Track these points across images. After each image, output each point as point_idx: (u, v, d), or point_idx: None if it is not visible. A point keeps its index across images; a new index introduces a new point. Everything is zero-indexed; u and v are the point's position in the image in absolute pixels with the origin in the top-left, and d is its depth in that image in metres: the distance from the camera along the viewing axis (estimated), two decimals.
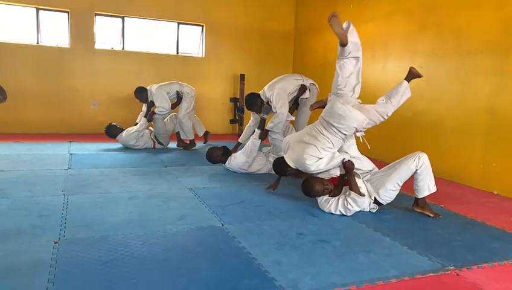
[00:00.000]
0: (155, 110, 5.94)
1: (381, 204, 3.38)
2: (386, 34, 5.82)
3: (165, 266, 2.23)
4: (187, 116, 6.16)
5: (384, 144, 5.50)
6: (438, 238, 2.85)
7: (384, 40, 5.85)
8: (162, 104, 5.90)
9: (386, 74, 5.84)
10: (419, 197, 3.35)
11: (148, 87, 6.05)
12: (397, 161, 3.39)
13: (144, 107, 6.15)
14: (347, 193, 3.23)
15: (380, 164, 3.77)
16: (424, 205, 3.37)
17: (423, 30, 5.15)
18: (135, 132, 5.88)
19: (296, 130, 4.99)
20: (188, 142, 6.32)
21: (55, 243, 2.44)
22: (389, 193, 3.32)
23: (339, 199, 3.25)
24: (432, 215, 3.31)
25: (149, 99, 6.00)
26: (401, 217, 3.31)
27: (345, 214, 3.22)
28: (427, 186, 3.31)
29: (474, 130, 4.45)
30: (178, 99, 6.15)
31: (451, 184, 4.57)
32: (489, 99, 4.29)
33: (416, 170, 3.26)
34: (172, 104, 6.08)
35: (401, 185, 3.34)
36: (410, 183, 3.38)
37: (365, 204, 3.31)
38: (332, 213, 3.25)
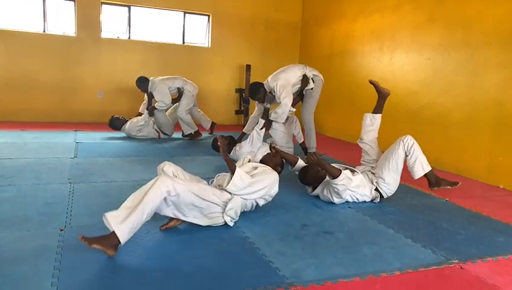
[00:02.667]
0: (155, 105, 5.93)
1: (383, 197, 3.38)
2: (394, 26, 5.76)
3: (169, 254, 2.24)
4: (185, 112, 6.12)
5: (390, 137, 5.44)
6: (442, 231, 2.85)
7: (392, 32, 5.79)
8: (162, 98, 5.88)
9: (393, 65, 5.79)
10: (416, 177, 3.34)
11: (150, 78, 6.03)
12: (386, 150, 3.37)
13: (146, 97, 6.15)
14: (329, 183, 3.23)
15: None
16: (438, 180, 3.33)
17: (431, 22, 5.09)
18: (139, 125, 5.89)
19: (302, 122, 4.98)
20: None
21: (61, 230, 2.47)
22: (388, 184, 3.33)
23: (329, 187, 3.25)
24: (449, 187, 3.28)
25: (149, 90, 5.98)
26: (406, 209, 3.30)
27: (340, 197, 3.21)
28: (420, 166, 3.29)
29: (481, 124, 4.41)
30: (179, 96, 6.12)
31: (457, 178, 4.53)
32: (497, 92, 4.25)
33: (406, 153, 3.26)
34: (172, 99, 6.06)
35: (398, 173, 3.32)
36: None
37: (366, 190, 3.31)
38: (333, 203, 3.26)
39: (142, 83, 6.03)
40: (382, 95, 3.61)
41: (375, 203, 3.38)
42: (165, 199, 2.31)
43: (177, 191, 2.31)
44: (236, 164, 2.92)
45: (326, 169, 3.12)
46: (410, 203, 3.47)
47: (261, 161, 3.15)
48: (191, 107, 6.24)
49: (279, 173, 3.12)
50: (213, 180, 2.90)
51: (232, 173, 2.65)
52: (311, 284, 1.99)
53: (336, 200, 3.24)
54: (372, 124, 3.57)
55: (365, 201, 3.38)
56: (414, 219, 3.08)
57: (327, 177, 3.21)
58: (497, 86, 4.24)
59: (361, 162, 3.64)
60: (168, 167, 2.76)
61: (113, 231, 2.11)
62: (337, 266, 2.21)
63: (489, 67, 4.34)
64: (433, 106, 5.05)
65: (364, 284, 2.04)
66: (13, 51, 6.70)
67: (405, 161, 3.34)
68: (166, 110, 6.14)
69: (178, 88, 6.08)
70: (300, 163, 3.59)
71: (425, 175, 3.35)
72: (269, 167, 2.97)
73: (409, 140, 3.28)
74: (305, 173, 3.39)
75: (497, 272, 2.26)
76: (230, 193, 2.64)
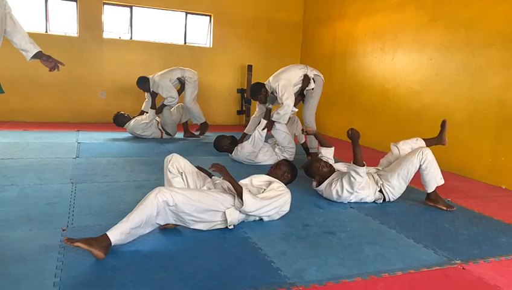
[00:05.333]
0: (164, 102, 5.94)
1: (385, 199, 3.38)
2: (396, 26, 5.75)
3: (170, 254, 2.24)
4: (193, 101, 6.12)
5: (392, 137, 5.45)
6: (445, 231, 2.84)
7: (394, 32, 5.79)
8: (169, 93, 5.89)
9: (395, 66, 5.78)
10: (428, 191, 3.35)
11: (150, 77, 6.04)
12: (402, 157, 3.38)
13: (148, 96, 6.16)
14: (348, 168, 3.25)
15: None
16: (437, 198, 3.36)
17: (433, 22, 5.08)
18: (143, 123, 5.90)
19: (304, 122, 4.98)
20: (196, 133, 6.34)
21: (63, 230, 2.47)
22: (393, 188, 3.34)
23: (342, 178, 3.25)
24: (444, 208, 3.30)
25: (151, 89, 5.99)
26: (408, 210, 3.30)
27: (350, 190, 3.21)
28: (434, 180, 3.30)
29: (483, 124, 4.41)
30: (181, 86, 6.11)
31: (459, 178, 4.53)
32: (499, 92, 4.24)
33: (420, 165, 3.25)
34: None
35: (406, 182, 3.34)
36: (417, 176, 3.36)
37: (370, 191, 3.32)
38: (339, 196, 3.25)
39: (143, 82, 6.04)
40: (440, 139, 3.58)
41: (377, 203, 3.38)
42: (163, 208, 2.28)
43: (175, 201, 2.29)
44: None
45: (356, 153, 3.13)
46: (412, 203, 3.47)
47: (268, 174, 3.03)
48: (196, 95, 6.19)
49: (290, 181, 3.11)
50: (216, 181, 2.84)
51: (239, 194, 2.53)
52: (313, 285, 1.99)
53: (345, 194, 3.23)
54: (415, 142, 3.57)
55: (367, 201, 3.38)
56: (416, 219, 3.08)
57: (344, 170, 3.26)
58: (500, 87, 4.23)
59: (380, 161, 3.63)
60: (174, 162, 2.73)
61: (104, 234, 2.13)
62: (339, 266, 2.21)
63: (491, 68, 4.33)
64: (435, 106, 5.05)
65: (366, 285, 2.04)
66: (15, 51, 6.68)
67: (418, 172, 3.33)
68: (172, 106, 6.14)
69: (178, 78, 6.06)
70: (329, 150, 3.65)
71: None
72: (282, 184, 2.87)
73: (428, 155, 3.24)
74: (309, 165, 3.49)
75: (499, 273, 2.26)
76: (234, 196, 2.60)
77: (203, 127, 6.32)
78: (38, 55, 3.12)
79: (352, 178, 3.16)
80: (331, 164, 3.49)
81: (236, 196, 2.55)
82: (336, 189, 3.26)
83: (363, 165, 3.12)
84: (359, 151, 3.13)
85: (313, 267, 2.17)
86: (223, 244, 2.42)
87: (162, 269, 2.07)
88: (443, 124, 3.57)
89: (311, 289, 1.96)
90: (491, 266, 2.35)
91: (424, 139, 3.55)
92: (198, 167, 2.93)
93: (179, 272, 2.04)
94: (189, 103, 6.08)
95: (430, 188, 3.33)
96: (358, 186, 3.21)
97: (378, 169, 3.52)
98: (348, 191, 3.22)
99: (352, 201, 3.34)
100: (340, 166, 3.52)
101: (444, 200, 3.39)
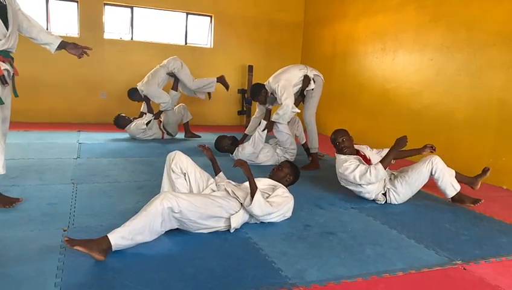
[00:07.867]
0: (160, 108, 5.94)
1: (387, 202, 3.39)
2: (397, 26, 5.75)
3: (171, 255, 2.25)
4: (193, 81, 6.06)
5: (393, 137, 5.44)
6: (446, 232, 2.84)
7: (395, 32, 5.78)
8: (160, 100, 5.89)
9: (395, 66, 5.78)
10: (448, 197, 3.36)
11: (138, 86, 5.99)
12: (414, 165, 3.38)
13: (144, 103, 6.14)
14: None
15: None
16: (461, 197, 3.34)
17: (434, 22, 5.08)
18: (144, 127, 5.88)
19: (304, 123, 4.98)
20: (198, 134, 6.38)
21: (64, 230, 2.47)
22: (397, 195, 3.34)
23: (360, 164, 3.26)
24: (472, 205, 3.30)
25: (142, 96, 5.96)
26: (409, 210, 3.29)
27: (358, 179, 3.22)
28: (450, 186, 3.30)
29: (484, 124, 4.40)
30: (175, 80, 6.07)
31: None
32: (500, 92, 4.23)
33: (433, 175, 3.25)
34: (173, 88, 6.06)
35: (413, 191, 3.34)
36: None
37: (373, 189, 3.32)
38: (344, 174, 3.28)
39: (134, 94, 6.04)
40: (473, 182, 3.58)
41: (378, 203, 3.38)
42: (168, 215, 2.27)
43: (180, 208, 2.27)
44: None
45: (389, 157, 3.21)
46: (414, 203, 3.46)
47: (271, 177, 3.01)
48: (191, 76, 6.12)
49: (292, 183, 3.10)
50: (219, 183, 2.83)
51: (252, 193, 2.53)
52: (313, 285, 1.99)
53: (350, 177, 3.25)
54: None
55: (367, 199, 3.39)
56: (417, 219, 3.08)
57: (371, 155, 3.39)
58: (501, 87, 4.23)
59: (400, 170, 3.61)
60: (177, 160, 2.73)
61: (105, 236, 2.11)
62: (340, 267, 2.21)
63: (492, 68, 4.32)
64: (436, 106, 5.04)
65: (367, 285, 2.04)
66: (16, 52, 6.70)
67: (431, 180, 3.33)
68: (177, 102, 6.14)
69: (168, 74, 6.01)
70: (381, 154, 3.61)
71: None
72: (286, 189, 2.87)
73: (438, 164, 3.24)
74: (335, 132, 3.46)
75: (500, 273, 2.25)
76: (239, 201, 2.60)
77: (222, 81, 6.24)
78: (62, 45, 3.10)
79: (369, 173, 3.17)
80: (351, 146, 3.40)
81: (248, 194, 2.56)
82: (347, 166, 3.26)
83: (384, 169, 3.17)
84: (392, 158, 3.21)
85: (314, 268, 2.17)
86: (224, 245, 2.42)
87: (163, 270, 2.07)
88: (485, 171, 3.54)
89: (312, 289, 1.96)
90: (492, 266, 2.35)
91: (456, 173, 3.46)
92: (203, 146, 2.95)
93: (180, 273, 2.05)
94: (193, 86, 6.05)
95: (449, 195, 3.33)
96: (366, 182, 3.21)
97: (393, 173, 3.50)
98: (354, 177, 3.23)
99: (350, 188, 3.38)
100: (372, 154, 3.50)
101: (444, 200, 3.36)
